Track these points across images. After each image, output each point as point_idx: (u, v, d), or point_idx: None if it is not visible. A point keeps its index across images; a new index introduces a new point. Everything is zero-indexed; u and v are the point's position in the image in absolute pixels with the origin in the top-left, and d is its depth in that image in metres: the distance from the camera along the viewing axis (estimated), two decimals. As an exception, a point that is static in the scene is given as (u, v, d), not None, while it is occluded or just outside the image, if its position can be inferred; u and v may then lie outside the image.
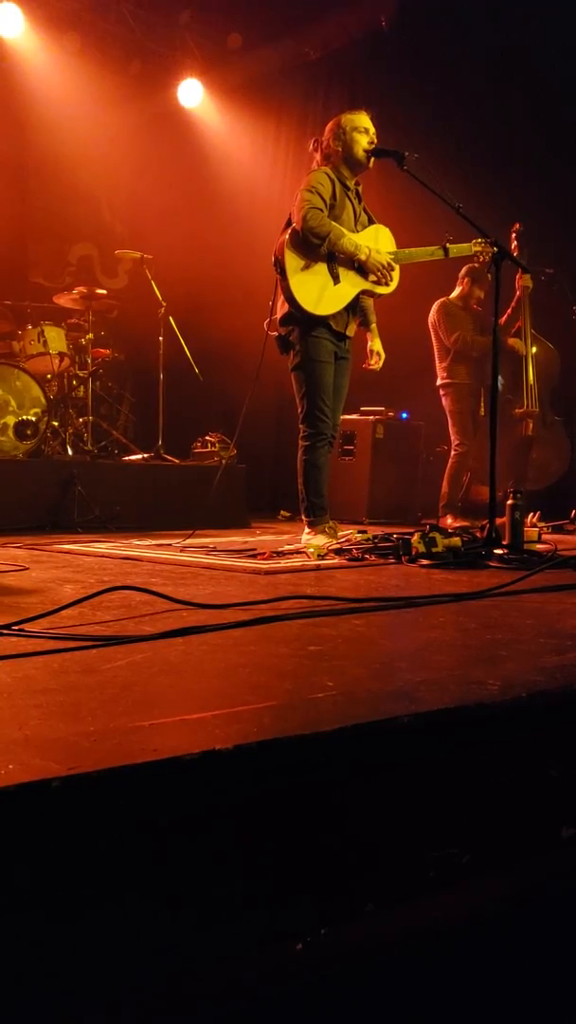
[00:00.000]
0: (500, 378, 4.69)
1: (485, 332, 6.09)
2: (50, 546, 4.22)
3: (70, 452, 6.45)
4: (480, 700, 1.44)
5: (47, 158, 8.39)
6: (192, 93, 8.41)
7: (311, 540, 4.10)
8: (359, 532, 4.20)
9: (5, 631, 1.98)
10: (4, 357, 6.38)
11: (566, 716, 1.54)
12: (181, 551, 4.05)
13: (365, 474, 6.72)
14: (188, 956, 1.10)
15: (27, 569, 3.30)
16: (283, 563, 3.59)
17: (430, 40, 7.14)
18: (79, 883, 1.04)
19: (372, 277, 4.21)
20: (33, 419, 5.90)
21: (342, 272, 4.17)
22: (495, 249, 4.16)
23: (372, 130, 4.25)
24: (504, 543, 3.79)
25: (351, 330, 4.37)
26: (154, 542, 4.48)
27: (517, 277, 6.30)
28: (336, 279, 4.15)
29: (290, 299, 4.12)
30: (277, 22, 7.74)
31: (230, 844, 1.15)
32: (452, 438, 6.41)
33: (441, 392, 6.42)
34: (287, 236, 4.13)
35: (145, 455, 6.66)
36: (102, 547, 4.16)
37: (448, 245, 4.31)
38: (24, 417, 5.88)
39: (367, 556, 3.79)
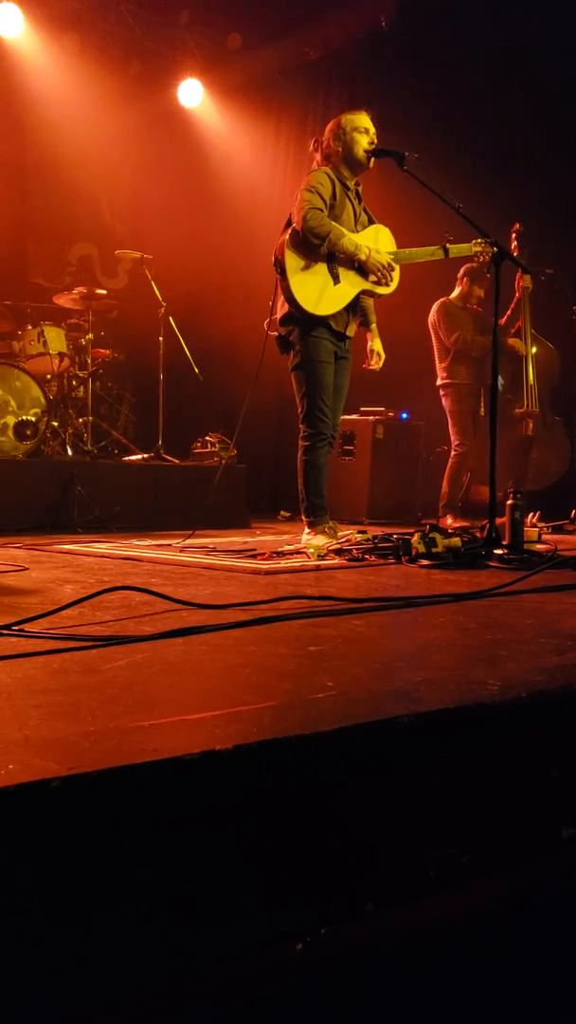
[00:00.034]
0: (500, 378, 4.69)
1: (485, 332, 6.09)
2: (50, 546, 4.22)
3: (70, 452, 6.45)
4: (480, 700, 1.44)
5: (47, 158, 8.40)
6: (192, 93, 8.41)
7: (311, 540, 4.10)
8: (359, 532, 4.20)
9: (5, 631, 1.99)
10: (4, 357, 6.37)
11: (566, 716, 1.54)
12: (181, 551, 4.05)
13: (365, 474, 6.71)
14: (188, 956, 1.10)
15: (27, 569, 3.31)
16: (283, 563, 3.59)
17: (430, 40, 7.14)
18: (79, 883, 1.04)
19: (372, 277, 4.21)
20: (33, 419, 5.90)
21: (342, 272, 4.17)
22: (495, 249, 4.16)
23: (372, 130, 4.25)
24: (504, 543, 3.79)
25: (351, 330, 4.37)
26: (154, 542, 4.48)
27: (517, 277, 6.30)
28: (336, 279, 4.15)
29: (290, 299, 4.12)
30: (277, 22, 7.74)
31: (230, 844, 1.15)
32: (452, 438, 6.41)
33: (441, 392, 6.42)
34: (287, 236, 4.13)
35: (145, 455, 6.66)
36: (102, 547, 4.16)
37: (448, 245, 4.31)
38: (24, 417, 5.88)
39: (367, 556, 3.79)
